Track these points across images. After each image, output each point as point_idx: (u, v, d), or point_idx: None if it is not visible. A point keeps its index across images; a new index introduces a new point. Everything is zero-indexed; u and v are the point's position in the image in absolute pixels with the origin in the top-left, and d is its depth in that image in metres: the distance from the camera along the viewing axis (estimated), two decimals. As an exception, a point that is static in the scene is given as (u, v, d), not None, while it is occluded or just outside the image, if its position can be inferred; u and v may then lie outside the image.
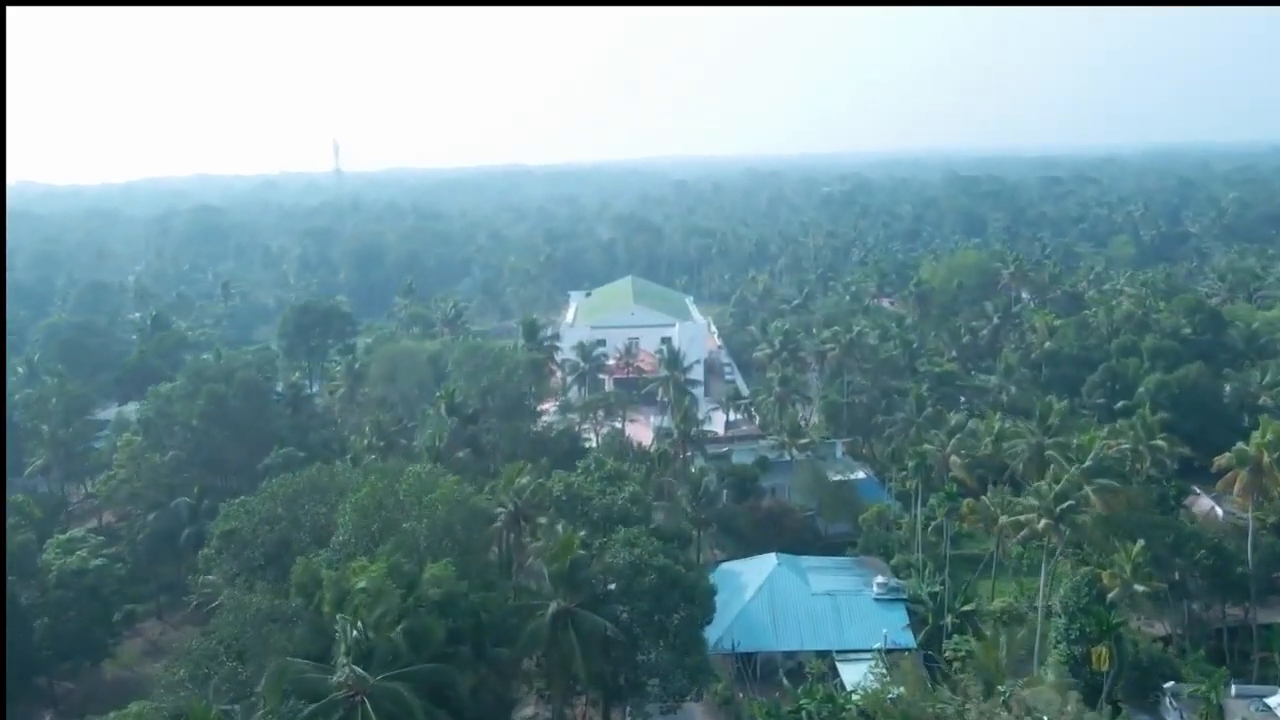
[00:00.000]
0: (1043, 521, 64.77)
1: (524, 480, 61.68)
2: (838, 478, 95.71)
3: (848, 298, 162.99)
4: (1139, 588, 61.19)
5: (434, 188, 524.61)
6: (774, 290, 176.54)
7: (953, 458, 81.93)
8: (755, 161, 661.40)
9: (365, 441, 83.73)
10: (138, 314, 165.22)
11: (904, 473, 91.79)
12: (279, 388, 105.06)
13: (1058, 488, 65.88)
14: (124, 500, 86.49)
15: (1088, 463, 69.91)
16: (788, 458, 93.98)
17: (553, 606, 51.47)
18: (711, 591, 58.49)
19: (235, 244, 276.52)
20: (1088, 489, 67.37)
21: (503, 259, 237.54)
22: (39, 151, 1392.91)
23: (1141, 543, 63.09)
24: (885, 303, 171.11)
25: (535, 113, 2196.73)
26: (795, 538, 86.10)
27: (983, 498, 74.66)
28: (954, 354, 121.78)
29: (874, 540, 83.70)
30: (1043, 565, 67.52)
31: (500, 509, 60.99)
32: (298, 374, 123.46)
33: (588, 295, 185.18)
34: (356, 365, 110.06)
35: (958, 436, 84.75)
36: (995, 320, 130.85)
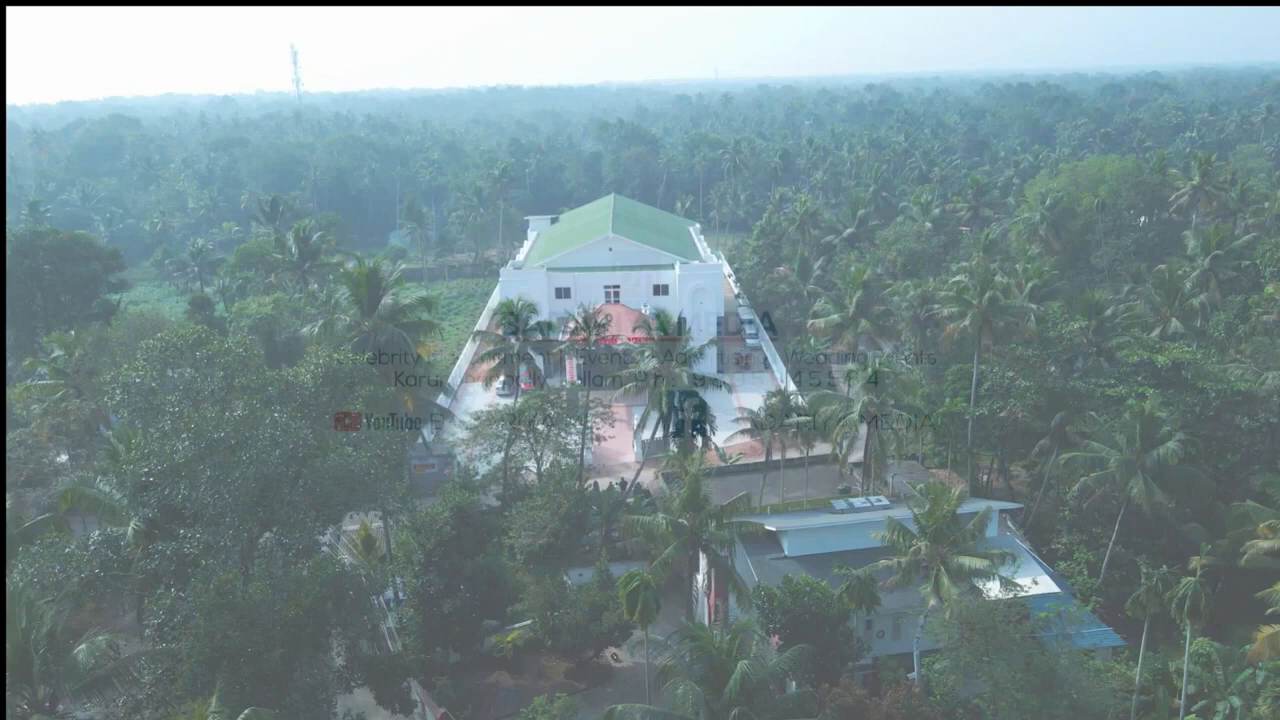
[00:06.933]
0: None
1: None
2: (995, 590, 45.26)
3: (928, 224, 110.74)
4: None
5: (407, 103, 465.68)
6: (818, 214, 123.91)
7: None
8: (763, 81, 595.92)
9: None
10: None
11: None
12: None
13: None
14: None
15: None
16: (909, 572, 43.44)
17: None
18: None
19: (130, 159, 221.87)
20: None
21: (459, 177, 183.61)
22: None
23: None
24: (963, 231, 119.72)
25: (528, 32, 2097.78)
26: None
27: None
28: (1178, 325, 69.88)
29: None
30: None
31: None
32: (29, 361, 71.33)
33: (553, 222, 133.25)
34: (78, 353, 59.02)
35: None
36: (1204, 263, 79.13)
